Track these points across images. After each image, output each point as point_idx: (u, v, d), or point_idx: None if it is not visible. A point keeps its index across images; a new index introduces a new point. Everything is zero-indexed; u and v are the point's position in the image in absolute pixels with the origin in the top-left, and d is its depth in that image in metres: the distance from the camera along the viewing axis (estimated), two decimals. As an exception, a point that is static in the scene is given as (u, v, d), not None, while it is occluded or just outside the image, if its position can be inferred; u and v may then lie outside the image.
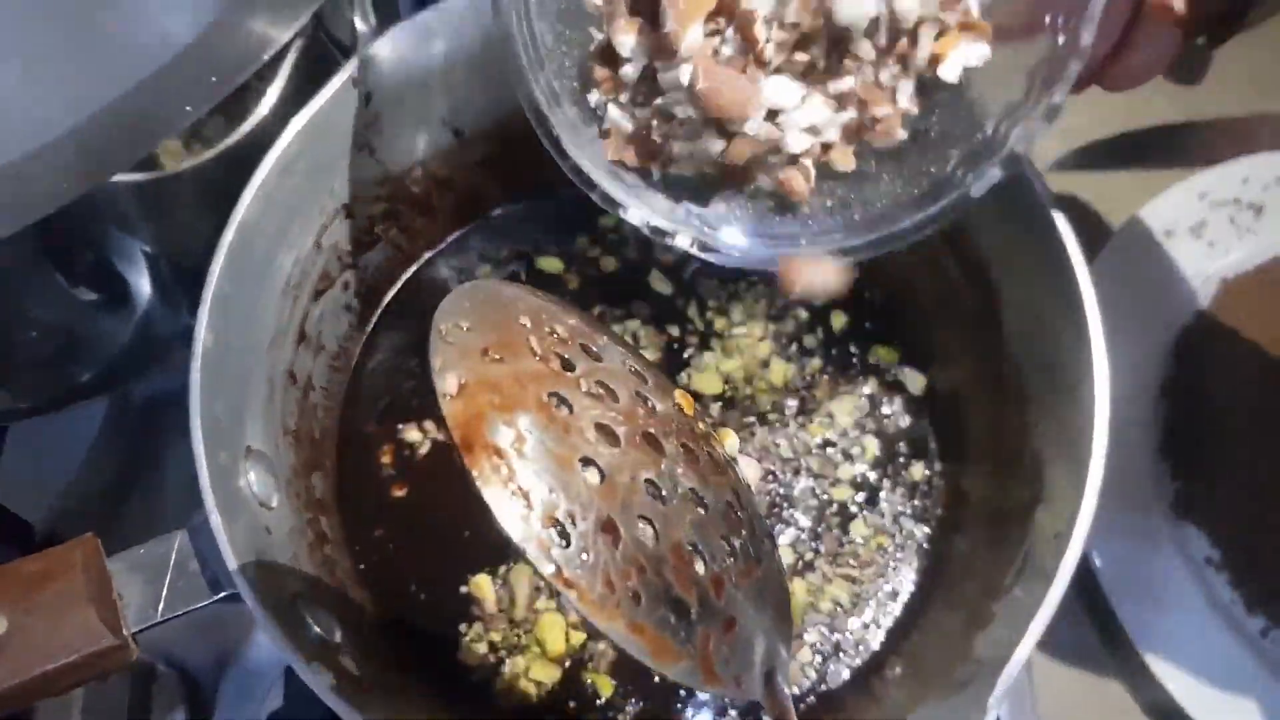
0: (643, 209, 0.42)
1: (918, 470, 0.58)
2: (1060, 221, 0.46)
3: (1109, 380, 0.44)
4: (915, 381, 0.60)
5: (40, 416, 0.61)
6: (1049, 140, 0.78)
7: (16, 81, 0.37)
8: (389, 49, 0.51)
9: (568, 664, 0.53)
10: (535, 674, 0.52)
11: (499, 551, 0.55)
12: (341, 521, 0.56)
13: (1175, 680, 0.61)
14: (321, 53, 0.53)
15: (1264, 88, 0.79)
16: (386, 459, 0.58)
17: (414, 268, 0.62)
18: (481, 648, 0.53)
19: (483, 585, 0.54)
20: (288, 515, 0.50)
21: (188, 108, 0.39)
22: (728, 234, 0.43)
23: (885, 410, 0.59)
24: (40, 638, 0.40)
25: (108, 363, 0.59)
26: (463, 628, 0.54)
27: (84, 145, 0.38)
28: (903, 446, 0.58)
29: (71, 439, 0.70)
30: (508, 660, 0.53)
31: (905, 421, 0.59)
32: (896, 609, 0.54)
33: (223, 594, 0.42)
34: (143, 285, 0.57)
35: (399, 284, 0.62)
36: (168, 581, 0.42)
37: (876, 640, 0.53)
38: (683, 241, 0.42)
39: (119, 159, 0.40)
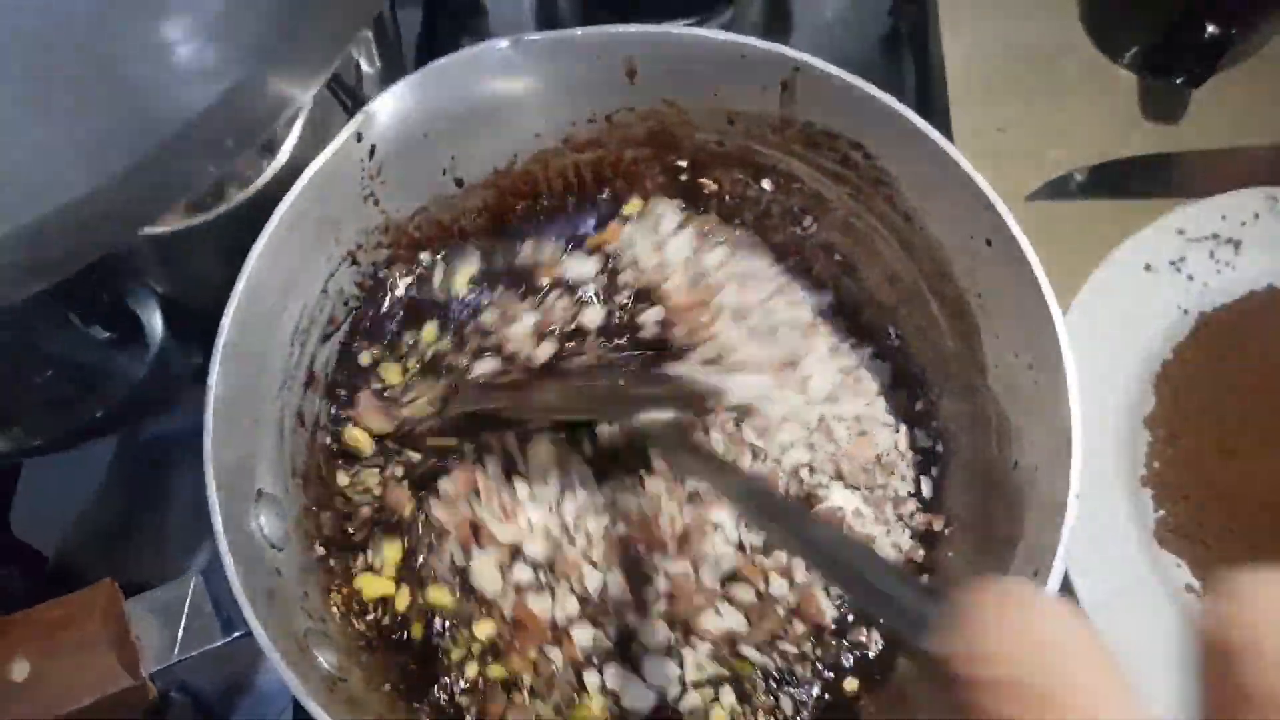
0: None
1: (905, 507, 0.60)
2: (1036, 266, 0.48)
3: (1082, 425, 0.46)
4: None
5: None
6: (1024, 170, 0.80)
7: (36, 142, 0.38)
8: (392, 104, 0.53)
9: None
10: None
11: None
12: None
13: (1157, 704, 0.63)
14: (329, 103, 0.55)
15: (1241, 126, 0.81)
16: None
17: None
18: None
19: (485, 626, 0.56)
20: (297, 555, 0.52)
21: (210, 168, 0.40)
22: None
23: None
24: (62, 681, 0.42)
25: (121, 401, 0.60)
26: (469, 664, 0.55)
27: (103, 207, 0.39)
28: (890, 480, 0.60)
29: (83, 475, 0.72)
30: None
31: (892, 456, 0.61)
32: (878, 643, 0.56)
33: (236, 634, 0.44)
34: (155, 325, 0.58)
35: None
36: (183, 623, 0.44)
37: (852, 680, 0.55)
38: None
39: (138, 220, 0.41)
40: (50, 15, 0.39)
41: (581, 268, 0.62)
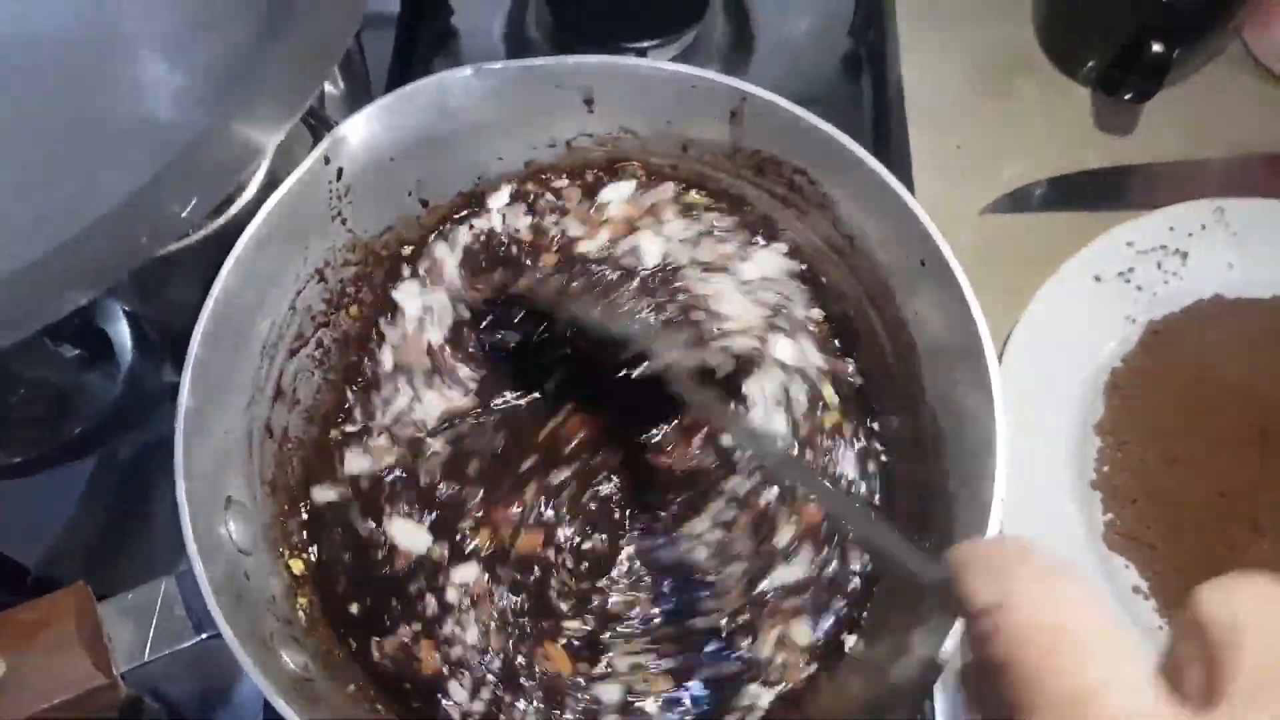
0: None
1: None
2: (965, 286, 0.50)
3: (1009, 441, 0.48)
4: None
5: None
6: (982, 185, 0.83)
7: (14, 192, 0.40)
8: (360, 127, 0.55)
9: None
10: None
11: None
12: (316, 565, 0.59)
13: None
14: (295, 127, 0.57)
15: (1188, 140, 0.84)
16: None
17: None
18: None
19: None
20: (265, 561, 0.53)
21: (182, 213, 0.42)
22: None
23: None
24: (37, 679, 0.44)
25: (97, 419, 0.61)
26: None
27: (83, 254, 0.40)
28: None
29: (64, 488, 0.74)
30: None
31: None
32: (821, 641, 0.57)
33: (205, 635, 0.46)
34: (125, 341, 0.59)
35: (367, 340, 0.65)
36: (154, 624, 0.46)
37: (805, 670, 0.57)
38: None
39: (117, 266, 0.42)
40: (35, 50, 0.40)
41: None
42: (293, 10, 0.46)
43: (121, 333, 0.58)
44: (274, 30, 0.46)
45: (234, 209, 0.52)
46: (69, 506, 0.74)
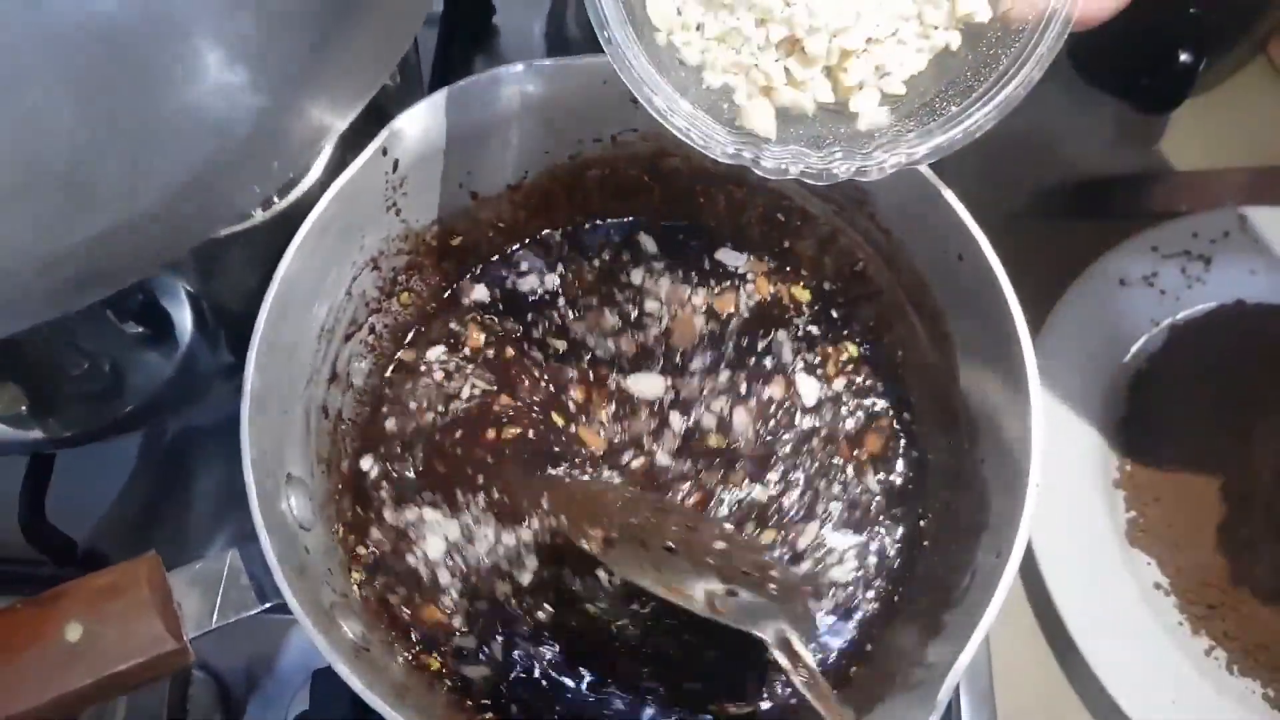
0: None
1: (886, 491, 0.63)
2: (1003, 278, 0.52)
3: (1044, 428, 0.50)
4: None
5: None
6: (1008, 193, 0.84)
7: (97, 153, 0.42)
8: (416, 121, 0.56)
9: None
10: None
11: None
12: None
13: (1127, 697, 0.67)
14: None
15: (1212, 149, 0.86)
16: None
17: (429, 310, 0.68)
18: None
19: None
20: (323, 536, 0.56)
21: (256, 190, 0.44)
22: None
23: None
24: (111, 643, 0.46)
25: (151, 396, 0.63)
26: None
27: (161, 221, 0.42)
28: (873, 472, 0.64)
29: (112, 466, 0.76)
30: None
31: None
32: (855, 623, 0.59)
33: (269, 604, 0.48)
34: (186, 322, 0.61)
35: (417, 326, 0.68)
36: (220, 593, 0.48)
37: (840, 644, 0.59)
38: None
39: (188, 238, 0.44)
40: (94, 30, 0.42)
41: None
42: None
43: (183, 312, 0.59)
44: (345, 14, 0.47)
45: (297, 193, 0.54)
46: (116, 483, 0.76)
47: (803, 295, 0.67)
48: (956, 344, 0.58)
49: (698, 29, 0.46)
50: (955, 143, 0.45)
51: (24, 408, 0.61)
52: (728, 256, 0.68)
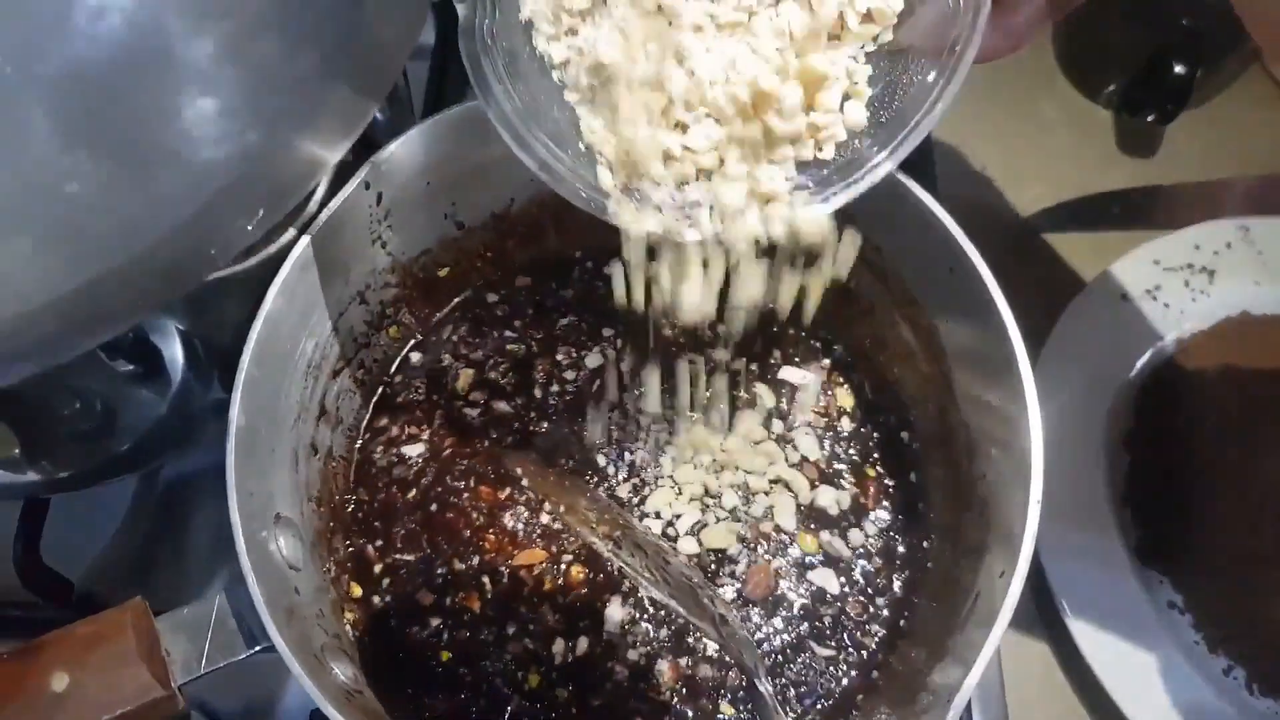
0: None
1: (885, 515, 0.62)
2: (995, 290, 0.51)
3: (1043, 444, 0.49)
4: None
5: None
6: (1006, 206, 0.84)
7: (84, 208, 0.41)
8: (399, 153, 0.56)
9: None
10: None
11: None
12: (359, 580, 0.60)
13: (1143, 717, 0.66)
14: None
15: (1211, 160, 0.85)
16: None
17: (416, 342, 0.68)
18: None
19: None
20: (313, 575, 0.55)
21: (247, 229, 0.43)
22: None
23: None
24: (98, 692, 0.45)
25: (144, 435, 0.62)
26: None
27: (149, 269, 0.41)
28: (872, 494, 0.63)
29: (107, 509, 0.76)
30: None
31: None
32: (870, 645, 0.58)
33: (258, 648, 0.47)
34: (177, 358, 0.61)
35: (404, 358, 0.67)
36: (209, 638, 0.47)
37: (847, 677, 0.58)
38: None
39: (185, 279, 0.43)
40: (86, 78, 0.42)
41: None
42: (353, 28, 0.47)
43: (174, 349, 0.59)
44: (334, 49, 0.47)
45: (288, 235, 0.54)
46: (112, 525, 0.76)
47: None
48: (950, 359, 0.57)
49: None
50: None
51: (16, 450, 0.60)
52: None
